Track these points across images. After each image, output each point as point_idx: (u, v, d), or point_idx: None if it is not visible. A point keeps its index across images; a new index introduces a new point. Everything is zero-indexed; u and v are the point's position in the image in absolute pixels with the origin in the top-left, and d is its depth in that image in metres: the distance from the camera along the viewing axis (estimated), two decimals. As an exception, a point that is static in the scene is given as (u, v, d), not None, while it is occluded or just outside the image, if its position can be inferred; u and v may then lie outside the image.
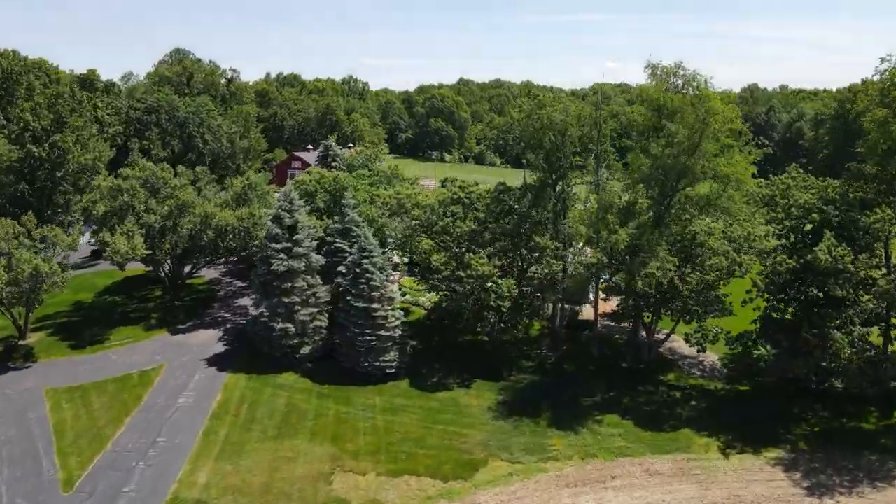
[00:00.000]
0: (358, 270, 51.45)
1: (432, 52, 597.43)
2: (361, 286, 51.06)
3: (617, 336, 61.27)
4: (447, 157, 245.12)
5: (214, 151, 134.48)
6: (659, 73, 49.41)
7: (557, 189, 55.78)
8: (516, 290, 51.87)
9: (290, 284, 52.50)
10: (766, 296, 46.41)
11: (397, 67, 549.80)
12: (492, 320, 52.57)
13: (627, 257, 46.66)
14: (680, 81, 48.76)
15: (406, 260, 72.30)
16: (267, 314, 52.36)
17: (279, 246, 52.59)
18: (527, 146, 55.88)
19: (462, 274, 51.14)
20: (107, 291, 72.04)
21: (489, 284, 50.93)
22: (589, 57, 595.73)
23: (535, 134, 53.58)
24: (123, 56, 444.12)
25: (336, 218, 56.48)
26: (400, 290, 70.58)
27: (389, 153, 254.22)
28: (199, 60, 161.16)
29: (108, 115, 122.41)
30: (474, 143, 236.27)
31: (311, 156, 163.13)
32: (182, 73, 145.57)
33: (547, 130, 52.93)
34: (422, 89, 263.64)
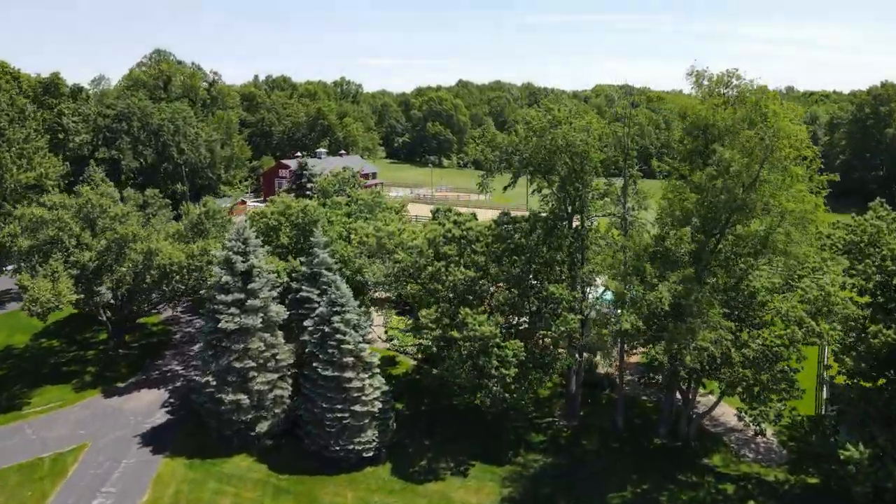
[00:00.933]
0: (327, 329, 41.06)
1: (431, 52, 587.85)
2: (331, 350, 40.68)
3: (644, 397, 50.96)
4: (445, 162, 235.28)
5: (192, 161, 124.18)
6: (705, 82, 39.04)
7: (574, 224, 45.44)
8: (524, 354, 41.45)
9: (242, 345, 42.13)
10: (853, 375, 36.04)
11: (395, 68, 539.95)
12: (494, 389, 42.21)
13: (669, 321, 36.15)
14: (733, 93, 38.38)
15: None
16: (214, 383, 41.96)
17: (229, 298, 42.19)
18: (536, 171, 45.42)
19: (456, 334, 40.78)
20: (45, 333, 61.72)
21: (490, 346, 40.59)
22: (587, 57, 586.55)
23: (548, 157, 43.20)
24: (102, 58, 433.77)
25: (303, 259, 46.11)
26: (385, 331, 60.18)
27: (385, 158, 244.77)
28: (181, 62, 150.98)
29: (73, 122, 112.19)
30: (473, 149, 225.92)
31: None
32: (159, 77, 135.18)
33: (562, 153, 42.57)
34: (420, 91, 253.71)
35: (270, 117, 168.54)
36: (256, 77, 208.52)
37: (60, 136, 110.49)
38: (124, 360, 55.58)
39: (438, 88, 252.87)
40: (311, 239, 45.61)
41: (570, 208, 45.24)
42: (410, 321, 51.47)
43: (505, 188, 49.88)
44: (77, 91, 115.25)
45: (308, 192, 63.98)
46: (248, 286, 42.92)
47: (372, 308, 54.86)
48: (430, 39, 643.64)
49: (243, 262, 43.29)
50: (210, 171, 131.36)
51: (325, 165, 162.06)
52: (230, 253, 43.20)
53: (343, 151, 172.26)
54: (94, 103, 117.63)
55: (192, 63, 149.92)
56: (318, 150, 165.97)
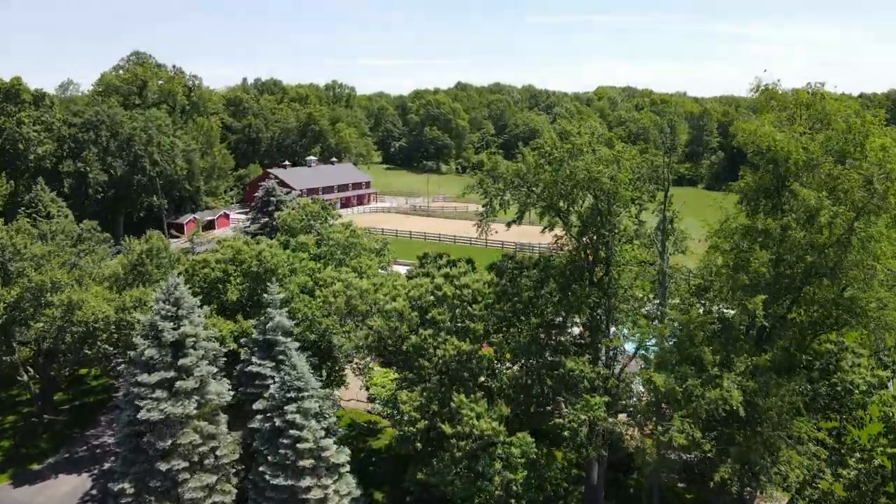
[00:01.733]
0: (278, 422, 31.48)
1: (429, 54, 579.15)
2: (283, 450, 31.08)
3: (682, 484, 41.32)
4: (443, 167, 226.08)
5: (167, 173, 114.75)
6: (778, 99, 29.34)
7: (597, 275, 35.77)
8: (534, 450, 31.88)
9: (170, 441, 32.47)
10: None
11: (392, 69, 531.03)
12: (496, 494, 32.69)
13: (737, 428, 26.46)
14: (817, 115, 28.70)
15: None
16: (132, 491, 32.30)
17: (153, 378, 32.52)
18: (549, 207, 35.70)
19: (447, 429, 31.16)
20: (-32, 389, 52.24)
21: (491, 445, 31.02)
22: (588, 58, 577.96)
23: (566, 192, 33.62)
24: (84, 61, 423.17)
25: (256, 322, 36.47)
26: (366, 388, 50.27)
27: (381, 163, 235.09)
28: (161, 66, 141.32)
29: (34, 132, 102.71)
30: (472, 152, 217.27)
31: (290, 173, 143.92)
32: (134, 81, 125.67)
33: (583, 189, 32.99)
34: (417, 94, 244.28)
35: (258, 123, 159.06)
36: (245, 80, 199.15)
37: (20, 146, 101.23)
38: (48, 431, 46.02)
39: (436, 91, 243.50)
40: (265, 296, 35.94)
41: (591, 257, 35.60)
42: (395, 377, 41.72)
43: (509, 224, 40.12)
44: (40, 97, 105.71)
45: (276, 223, 54.29)
46: (180, 361, 33.25)
47: (347, 366, 45.19)
48: (428, 40, 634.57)
49: (174, 328, 33.58)
50: (189, 182, 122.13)
51: (314, 175, 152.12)
52: (157, 318, 33.53)
53: (335, 159, 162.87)
54: (58, 110, 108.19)
55: (174, 66, 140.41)
56: (308, 158, 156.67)
